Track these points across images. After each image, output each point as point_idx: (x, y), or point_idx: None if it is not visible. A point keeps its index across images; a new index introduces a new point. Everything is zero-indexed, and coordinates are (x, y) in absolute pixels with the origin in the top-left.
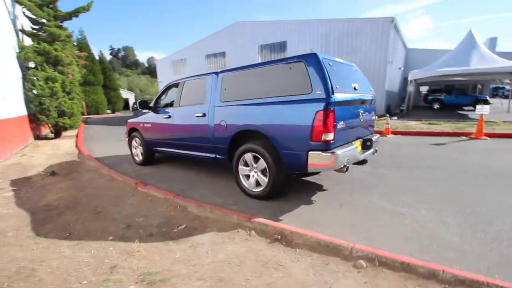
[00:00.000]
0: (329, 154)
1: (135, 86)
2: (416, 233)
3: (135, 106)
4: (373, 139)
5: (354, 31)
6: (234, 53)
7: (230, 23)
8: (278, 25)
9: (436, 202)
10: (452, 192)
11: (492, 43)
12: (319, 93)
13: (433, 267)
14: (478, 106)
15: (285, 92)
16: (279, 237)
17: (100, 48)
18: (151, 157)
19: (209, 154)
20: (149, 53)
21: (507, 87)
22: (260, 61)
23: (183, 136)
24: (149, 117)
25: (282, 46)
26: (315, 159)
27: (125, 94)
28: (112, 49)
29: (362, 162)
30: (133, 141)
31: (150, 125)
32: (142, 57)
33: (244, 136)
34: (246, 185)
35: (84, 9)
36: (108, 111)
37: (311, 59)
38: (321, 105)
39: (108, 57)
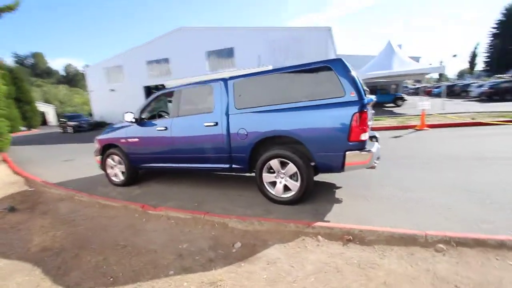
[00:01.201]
0: (366, 152)
1: (53, 98)
2: (448, 213)
3: (63, 120)
4: (377, 135)
5: (298, 39)
6: (179, 59)
7: (163, 27)
8: (225, 32)
9: (441, 186)
10: (447, 178)
11: (389, 44)
12: (353, 96)
13: (500, 238)
14: (419, 102)
15: (314, 96)
16: (350, 237)
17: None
18: (134, 176)
19: (223, 165)
20: (63, 60)
21: (410, 86)
22: (208, 67)
23: (187, 148)
24: (133, 130)
25: (229, 52)
26: (353, 158)
27: (42, 107)
28: (17, 56)
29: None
30: (109, 160)
31: (137, 139)
32: (55, 64)
33: (261, 144)
34: (273, 192)
35: (10, 8)
36: (23, 128)
37: (338, 64)
38: (356, 107)
39: (12, 65)
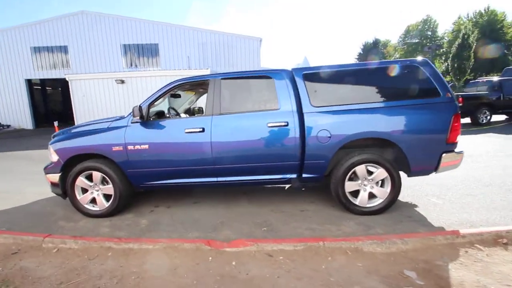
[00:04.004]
0: (460, 153)
1: None
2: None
3: None
4: None
5: (229, 45)
6: (83, 49)
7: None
8: (147, 25)
9: (472, 181)
10: (468, 172)
11: (305, 60)
12: (449, 96)
13: None
14: None
15: (408, 96)
16: (506, 240)
17: None
18: (127, 201)
19: (288, 175)
20: None
21: None
22: (126, 63)
23: (236, 156)
24: (139, 133)
25: (154, 48)
26: (448, 159)
27: None
28: None
29: None
30: (81, 180)
31: (146, 146)
32: None
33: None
34: (355, 202)
35: None
36: None
37: (427, 64)
38: (454, 109)
39: None
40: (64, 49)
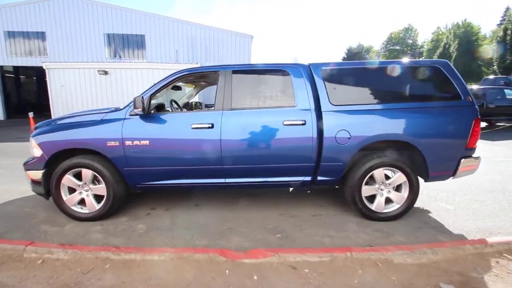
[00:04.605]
0: (478, 158)
1: None
2: None
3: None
4: None
5: (219, 41)
6: (64, 36)
7: None
8: (133, 15)
9: (474, 187)
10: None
11: (296, 61)
12: (469, 100)
13: None
14: None
15: (429, 98)
16: None
17: None
18: (121, 202)
19: (302, 177)
20: None
21: None
22: (109, 53)
23: (247, 155)
24: (139, 127)
25: (140, 40)
26: (467, 164)
27: None
28: None
29: None
30: (68, 178)
31: (146, 142)
32: None
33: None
34: (371, 207)
35: None
36: None
37: (448, 66)
38: (475, 113)
39: None
40: (41, 35)
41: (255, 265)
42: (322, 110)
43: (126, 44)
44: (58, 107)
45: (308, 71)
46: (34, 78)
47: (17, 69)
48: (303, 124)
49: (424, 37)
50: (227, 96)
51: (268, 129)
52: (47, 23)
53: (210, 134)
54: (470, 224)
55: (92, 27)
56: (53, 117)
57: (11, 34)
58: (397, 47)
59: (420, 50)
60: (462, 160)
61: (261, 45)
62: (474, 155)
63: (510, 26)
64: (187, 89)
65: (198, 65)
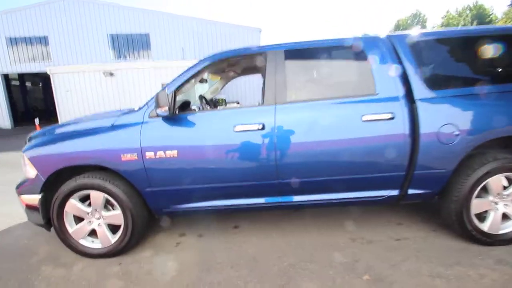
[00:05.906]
0: None
1: None
2: None
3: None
4: None
5: (227, 35)
6: (67, 40)
7: None
8: (136, 13)
9: None
10: None
11: None
12: None
13: None
14: None
15: None
16: None
17: None
18: (142, 233)
19: (386, 191)
20: None
21: None
22: (114, 55)
23: (313, 165)
24: (163, 133)
25: (144, 39)
26: None
27: None
28: None
29: None
30: (73, 203)
31: (174, 152)
32: None
33: None
34: (483, 228)
35: None
36: None
37: None
38: None
39: None
40: (44, 40)
41: None
42: (416, 97)
43: (130, 44)
44: (65, 112)
45: (390, 46)
46: (40, 84)
47: (22, 76)
48: (390, 119)
49: (433, 23)
50: (280, 86)
51: (340, 128)
52: (49, 26)
53: (260, 138)
54: None
55: (95, 28)
56: (60, 123)
57: (13, 41)
58: None
59: None
60: None
61: (270, 38)
62: None
63: None
64: (197, 85)
65: None
